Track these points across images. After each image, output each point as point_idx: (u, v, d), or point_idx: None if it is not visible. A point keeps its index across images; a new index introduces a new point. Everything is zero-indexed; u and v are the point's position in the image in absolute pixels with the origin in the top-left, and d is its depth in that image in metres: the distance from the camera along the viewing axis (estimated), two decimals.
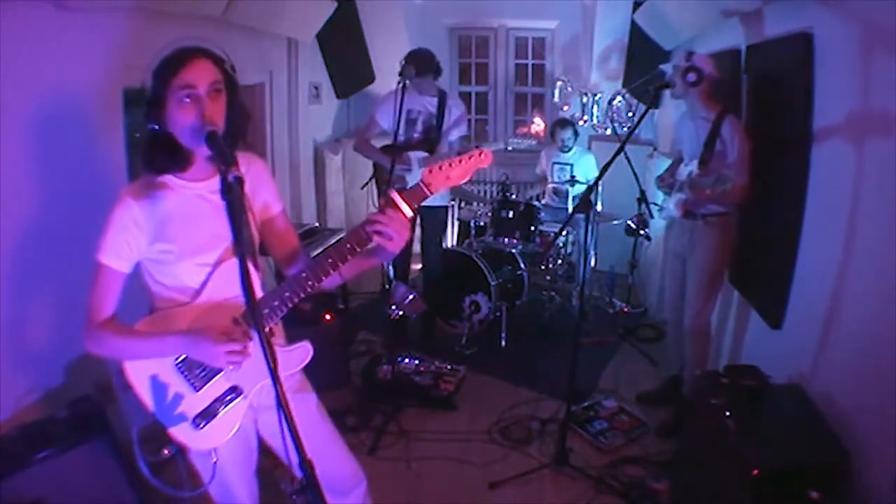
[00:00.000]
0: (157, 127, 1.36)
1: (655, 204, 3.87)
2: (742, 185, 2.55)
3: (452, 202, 5.03)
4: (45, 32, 2.22)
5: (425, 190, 1.39)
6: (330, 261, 1.41)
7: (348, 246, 1.40)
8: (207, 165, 1.44)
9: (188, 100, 1.32)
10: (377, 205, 3.94)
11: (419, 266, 4.14)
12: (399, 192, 1.38)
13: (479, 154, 1.40)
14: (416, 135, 3.61)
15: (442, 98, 3.61)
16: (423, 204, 1.45)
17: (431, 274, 3.97)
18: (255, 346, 1.42)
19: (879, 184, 1.92)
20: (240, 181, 1.15)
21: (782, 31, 2.58)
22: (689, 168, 2.78)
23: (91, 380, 2.18)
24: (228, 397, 1.50)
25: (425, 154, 3.61)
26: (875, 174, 1.95)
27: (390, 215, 1.37)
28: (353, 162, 4.97)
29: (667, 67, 2.85)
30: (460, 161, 1.39)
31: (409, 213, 1.38)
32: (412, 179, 3.52)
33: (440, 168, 1.38)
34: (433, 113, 3.60)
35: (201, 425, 1.47)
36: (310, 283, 1.43)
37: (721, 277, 2.91)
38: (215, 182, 1.44)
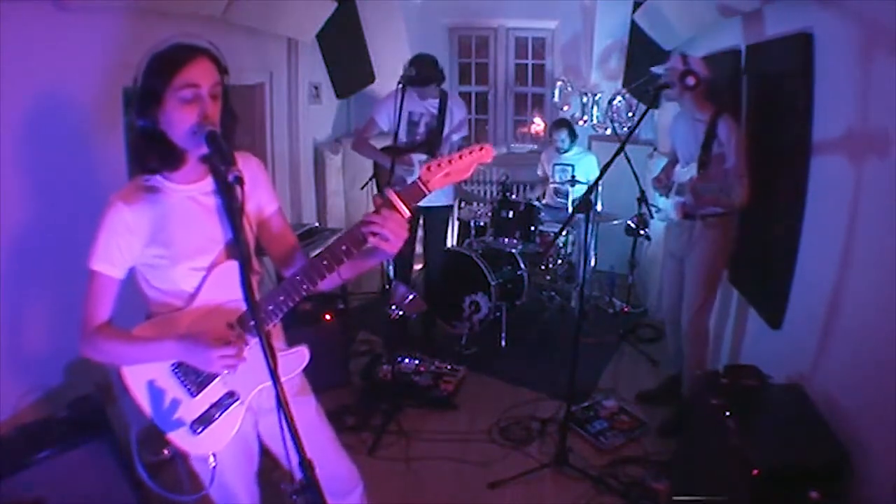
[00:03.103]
0: (148, 124, 1.32)
1: (654, 205, 3.88)
2: (742, 186, 2.54)
3: (454, 201, 5.02)
4: (45, 32, 2.22)
5: (423, 188, 1.33)
6: (325, 263, 1.36)
7: (343, 248, 1.35)
8: (199, 167, 1.40)
9: (190, 99, 1.29)
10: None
11: (420, 266, 4.13)
12: (396, 191, 1.33)
13: (480, 149, 1.34)
14: (418, 137, 3.62)
15: (443, 99, 3.62)
16: (427, 203, 1.39)
17: (433, 274, 3.96)
18: (250, 351, 1.40)
19: (879, 184, 1.92)
20: (239, 181, 1.14)
21: (782, 31, 2.58)
22: (687, 171, 2.75)
23: (91, 380, 2.18)
24: (225, 402, 1.48)
25: (426, 157, 3.61)
26: (875, 174, 1.95)
27: (386, 215, 1.32)
28: (353, 162, 4.97)
29: (657, 69, 2.81)
30: (460, 157, 1.33)
31: (406, 212, 1.33)
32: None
33: (439, 165, 1.33)
34: (434, 115, 3.61)
35: (199, 430, 1.46)
36: (304, 286, 1.39)
37: (719, 277, 2.89)
38: (207, 184, 1.43)
